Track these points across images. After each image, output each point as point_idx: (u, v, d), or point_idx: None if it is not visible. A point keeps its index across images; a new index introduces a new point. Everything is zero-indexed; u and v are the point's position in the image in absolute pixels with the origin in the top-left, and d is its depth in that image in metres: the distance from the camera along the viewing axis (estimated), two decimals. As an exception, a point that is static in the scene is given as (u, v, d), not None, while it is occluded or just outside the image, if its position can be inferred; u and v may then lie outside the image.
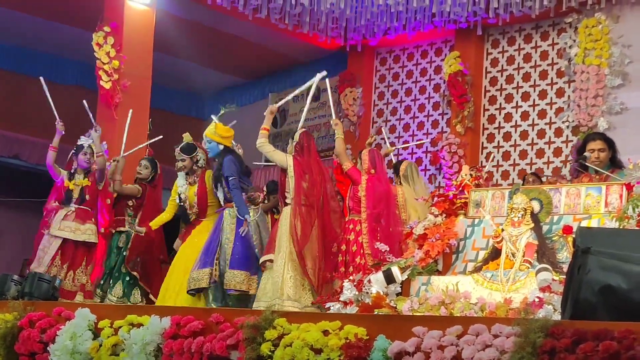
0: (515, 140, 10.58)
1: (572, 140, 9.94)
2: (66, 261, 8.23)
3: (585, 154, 6.67)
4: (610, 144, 6.74)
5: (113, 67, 9.64)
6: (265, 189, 8.57)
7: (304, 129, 7.67)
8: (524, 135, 10.53)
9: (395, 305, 5.71)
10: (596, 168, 6.50)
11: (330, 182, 7.64)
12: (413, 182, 8.27)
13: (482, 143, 10.80)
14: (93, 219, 8.43)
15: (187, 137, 8.36)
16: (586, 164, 6.59)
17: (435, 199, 6.88)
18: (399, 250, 7.15)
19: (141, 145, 9.06)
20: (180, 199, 8.21)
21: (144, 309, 6.27)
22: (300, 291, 7.03)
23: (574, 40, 9.97)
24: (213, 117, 8.17)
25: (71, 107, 9.65)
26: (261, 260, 7.30)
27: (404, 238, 7.03)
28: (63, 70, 12.91)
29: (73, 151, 8.58)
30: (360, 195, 7.54)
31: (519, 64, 10.70)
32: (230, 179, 7.62)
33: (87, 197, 8.42)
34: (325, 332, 4.81)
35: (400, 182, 8.26)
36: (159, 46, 10.42)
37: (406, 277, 6.12)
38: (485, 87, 10.88)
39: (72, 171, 8.50)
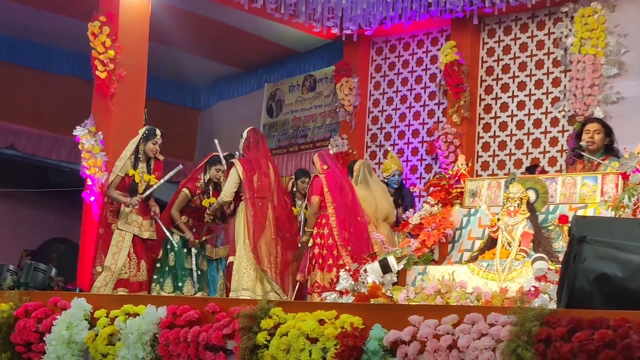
0: (511, 129, 10.58)
1: (568, 130, 9.94)
2: (136, 254, 7.95)
3: (581, 143, 6.68)
4: (607, 130, 6.75)
5: (108, 57, 9.61)
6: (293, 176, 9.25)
7: (252, 127, 8.20)
8: (520, 124, 10.52)
9: (391, 295, 5.72)
10: (589, 157, 6.51)
11: (280, 176, 8.21)
12: (366, 181, 8.63)
13: (478, 133, 10.80)
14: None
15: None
16: (581, 152, 6.59)
17: (432, 188, 6.90)
18: (366, 240, 7.75)
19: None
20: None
21: (139, 299, 6.28)
22: (254, 281, 7.56)
23: (570, 30, 9.96)
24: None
25: (66, 97, 9.64)
26: (227, 262, 8.03)
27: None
28: (58, 60, 12.92)
29: (143, 136, 8.02)
30: (325, 191, 7.98)
31: (515, 53, 10.69)
32: None
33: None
34: (321, 322, 4.81)
35: (355, 181, 8.58)
36: (154, 36, 10.40)
37: (402, 266, 6.14)
38: (481, 76, 10.88)
39: (137, 156, 7.99)
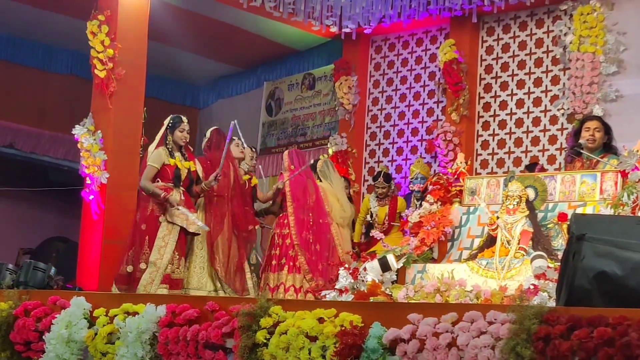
0: (510, 128, 10.57)
1: (567, 128, 9.93)
2: (180, 249, 7.69)
3: (580, 140, 6.69)
4: (606, 128, 6.76)
5: (107, 55, 9.59)
6: None
7: (215, 127, 8.32)
8: (519, 123, 10.52)
9: (390, 293, 5.73)
10: (589, 154, 6.51)
11: (240, 176, 8.23)
12: (330, 177, 8.94)
13: (478, 131, 10.80)
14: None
15: (383, 168, 10.04)
16: (580, 150, 6.60)
17: (431, 187, 6.90)
18: (326, 241, 7.84)
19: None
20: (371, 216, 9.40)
21: (139, 298, 6.28)
22: (205, 278, 7.76)
23: (569, 28, 9.95)
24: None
25: (65, 95, 9.63)
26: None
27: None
28: (57, 59, 12.90)
29: (169, 126, 7.80)
30: (286, 191, 8.21)
31: (514, 51, 10.68)
32: None
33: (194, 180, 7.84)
34: (321, 320, 4.82)
35: (319, 178, 8.83)
36: (153, 35, 10.38)
37: (401, 264, 6.14)
38: (480, 75, 10.87)
39: (169, 148, 7.77)
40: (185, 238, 7.72)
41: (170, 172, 7.66)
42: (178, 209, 7.51)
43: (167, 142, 7.75)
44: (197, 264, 7.80)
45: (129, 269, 7.60)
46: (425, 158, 10.86)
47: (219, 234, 7.85)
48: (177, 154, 7.77)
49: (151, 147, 7.80)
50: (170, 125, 7.79)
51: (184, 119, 7.87)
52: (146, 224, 7.64)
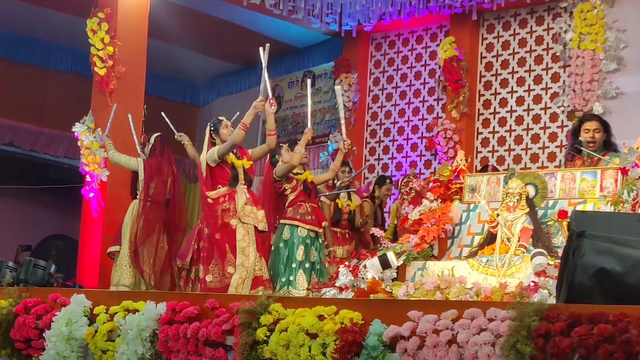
0: (510, 125, 10.58)
1: (567, 125, 9.94)
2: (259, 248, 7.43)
3: (580, 138, 6.68)
4: (605, 126, 6.76)
5: (107, 53, 9.60)
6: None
7: (159, 134, 8.44)
8: (519, 120, 10.52)
9: (390, 291, 5.73)
10: (589, 152, 6.51)
11: (179, 182, 8.62)
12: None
13: (478, 128, 10.80)
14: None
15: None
16: (581, 148, 6.59)
17: (431, 184, 6.90)
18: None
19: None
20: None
21: (139, 295, 6.28)
22: (133, 279, 8.02)
23: (569, 25, 9.95)
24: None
25: (65, 93, 9.63)
26: (108, 250, 8.39)
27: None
28: (57, 57, 12.90)
29: (211, 129, 7.58)
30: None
31: (514, 49, 10.68)
32: None
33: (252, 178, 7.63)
34: (321, 317, 4.81)
35: None
36: (153, 33, 10.39)
37: (402, 262, 6.14)
38: (480, 72, 10.87)
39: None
40: (259, 236, 7.47)
41: (228, 170, 7.44)
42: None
43: (215, 143, 7.51)
44: (125, 263, 8.11)
45: (208, 278, 7.28)
46: (425, 155, 10.86)
47: (146, 239, 8.07)
48: (230, 153, 7.49)
49: (202, 155, 7.50)
50: (212, 128, 7.57)
51: (222, 117, 7.69)
52: (220, 233, 7.33)
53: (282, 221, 7.85)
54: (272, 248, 7.82)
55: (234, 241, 7.25)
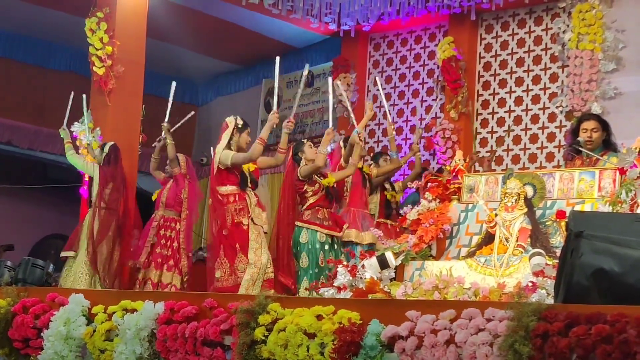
0: (508, 125, 10.58)
1: (565, 125, 9.94)
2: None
3: (579, 138, 6.68)
4: (604, 126, 6.76)
5: (106, 53, 9.59)
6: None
7: (112, 143, 8.83)
8: (517, 120, 10.52)
9: (389, 290, 5.73)
10: (588, 152, 6.51)
11: (132, 189, 9.09)
12: None
13: (476, 128, 10.80)
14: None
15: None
16: (579, 148, 6.60)
17: (429, 184, 6.90)
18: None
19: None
20: None
21: (137, 295, 6.28)
22: (88, 285, 8.19)
23: (568, 25, 9.94)
24: None
25: (64, 92, 9.63)
26: (61, 254, 8.60)
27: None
28: (56, 56, 12.88)
29: (237, 126, 7.40)
30: (183, 197, 8.70)
31: (512, 49, 10.68)
32: None
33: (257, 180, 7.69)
34: (319, 317, 4.82)
35: None
36: (152, 32, 10.38)
37: (400, 262, 6.14)
38: (479, 72, 10.87)
39: (229, 148, 7.35)
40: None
41: (237, 173, 7.34)
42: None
43: (231, 143, 7.35)
44: (80, 270, 8.34)
45: (217, 274, 7.19)
46: (424, 155, 10.85)
47: (101, 241, 8.41)
48: None
49: (219, 147, 7.35)
50: (239, 126, 7.40)
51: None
52: (228, 230, 7.21)
53: (298, 223, 7.71)
54: (293, 250, 7.70)
55: (244, 240, 7.16)
